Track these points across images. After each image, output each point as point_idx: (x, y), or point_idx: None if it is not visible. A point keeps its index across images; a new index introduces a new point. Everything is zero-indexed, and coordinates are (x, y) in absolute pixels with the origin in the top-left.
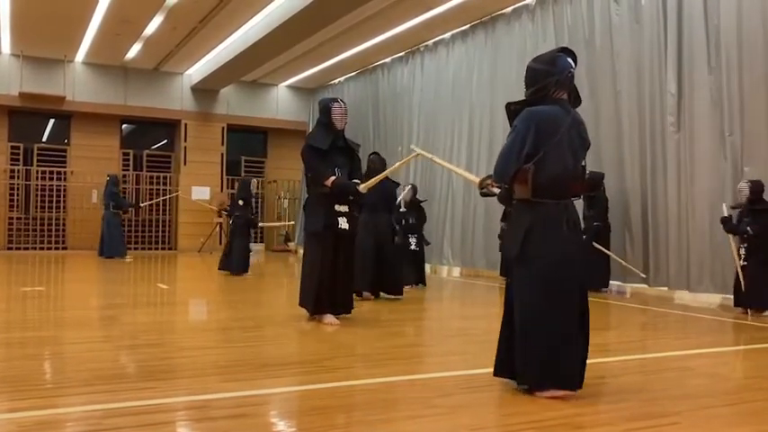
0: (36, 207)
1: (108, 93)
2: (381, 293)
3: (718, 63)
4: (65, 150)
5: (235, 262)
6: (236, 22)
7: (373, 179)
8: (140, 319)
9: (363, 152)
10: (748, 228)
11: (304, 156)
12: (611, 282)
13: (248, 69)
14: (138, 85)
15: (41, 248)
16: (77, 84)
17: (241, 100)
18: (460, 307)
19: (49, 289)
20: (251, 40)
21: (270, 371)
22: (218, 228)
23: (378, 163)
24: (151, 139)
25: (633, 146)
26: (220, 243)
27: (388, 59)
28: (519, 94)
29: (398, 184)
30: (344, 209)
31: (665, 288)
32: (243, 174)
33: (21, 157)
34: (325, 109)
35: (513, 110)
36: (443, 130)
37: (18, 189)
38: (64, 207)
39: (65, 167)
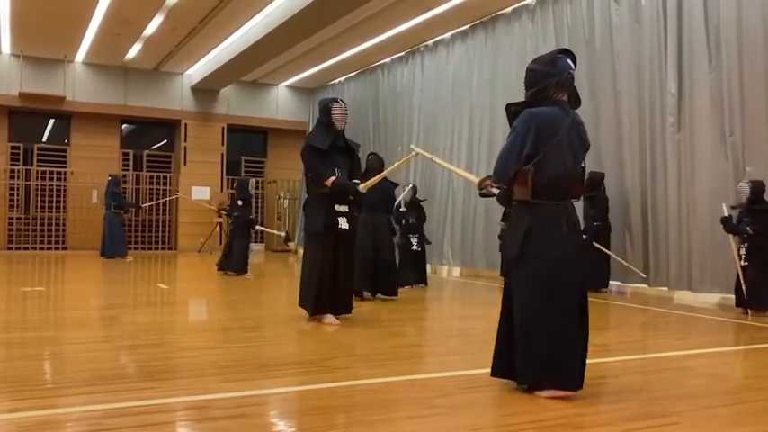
0: (36, 207)
1: (108, 93)
2: (377, 294)
3: (718, 62)
4: (65, 150)
5: (235, 262)
6: (236, 22)
7: (373, 179)
8: (140, 320)
9: (363, 152)
10: (748, 228)
11: (304, 156)
12: (611, 282)
13: (248, 69)
14: (138, 85)
15: (41, 249)
16: (77, 84)
17: (241, 100)
18: (460, 307)
19: (49, 289)
20: (251, 40)
21: (270, 371)
22: (218, 228)
23: (376, 163)
24: (151, 139)
25: (633, 146)
26: (220, 243)
27: (388, 59)
28: (519, 94)
29: (397, 185)
30: (344, 209)
31: (665, 288)
32: (243, 174)
33: (21, 158)
34: (325, 109)
35: (512, 111)
36: (443, 130)
37: (18, 189)
38: (64, 207)
39: (65, 167)
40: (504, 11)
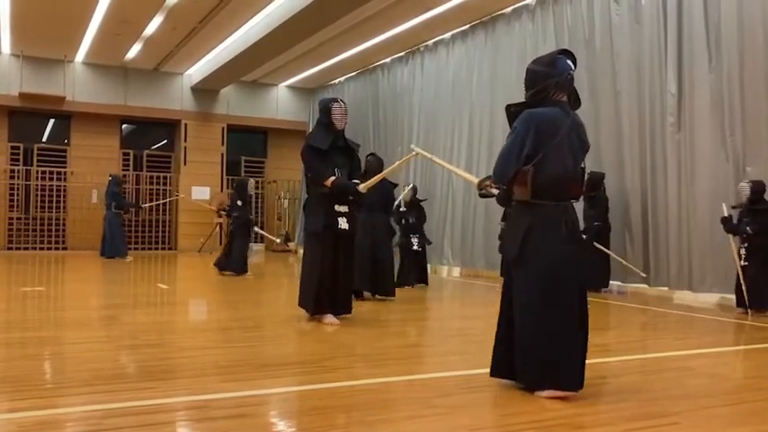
0: (36, 207)
1: (108, 93)
2: (375, 294)
3: (718, 62)
4: (65, 150)
5: (234, 262)
6: (236, 22)
7: (373, 179)
8: (140, 320)
9: (363, 152)
10: (748, 228)
11: (304, 156)
12: (611, 282)
13: (248, 69)
14: (138, 85)
15: (41, 249)
16: (77, 84)
17: (241, 100)
18: (460, 307)
19: (49, 289)
20: (251, 40)
21: (270, 371)
22: (218, 228)
23: (375, 164)
24: (151, 139)
25: (633, 146)
26: (220, 243)
27: (388, 59)
28: (519, 94)
29: (396, 185)
30: (344, 209)
31: (666, 288)
32: (243, 174)
33: (21, 158)
34: (325, 109)
35: (512, 112)
36: (443, 130)
37: (18, 189)
38: (64, 207)
39: (65, 167)
40: (504, 11)
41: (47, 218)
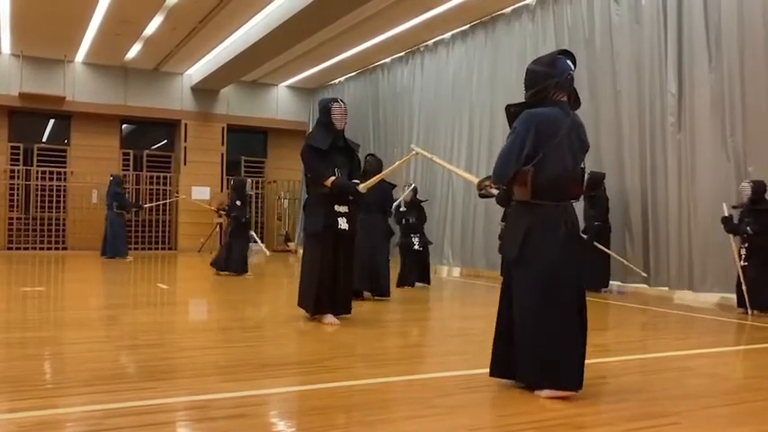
0: (36, 207)
1: (108, 93)
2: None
3: (718, 62)
4: (65, 150)
5: (234, 262)
6: (236, 22)
7: (373, 179)
8: (140, 320)
9: (363, 152)
10: (748, 228)
11: (304, 156)
12: (611, 282)
13: (248, 69)
14: (138, 85)
15: (41, 249)
16: (77, 84)
17: (241, 100)
18: (460, 307)
19: (49, 289)
20: (251, 40)
21: (270, 371)
22: (217, 228)
23: (374, 164)
24: (151, 139)
25: (633, 146)
26: (220, 243)
27: (388, 59)
28: (519, 94)
29: (395, 186)
30: (344, 209)
31: (666, 288)
32: (243, 174)
33: (21, 158)
34: (325, 109)
35: (512, 112)
36: (443, 130)
37: (18, 189)
38: (64, 207)
39: (65, 168)
40: (504, 11)
41: (47, 218)
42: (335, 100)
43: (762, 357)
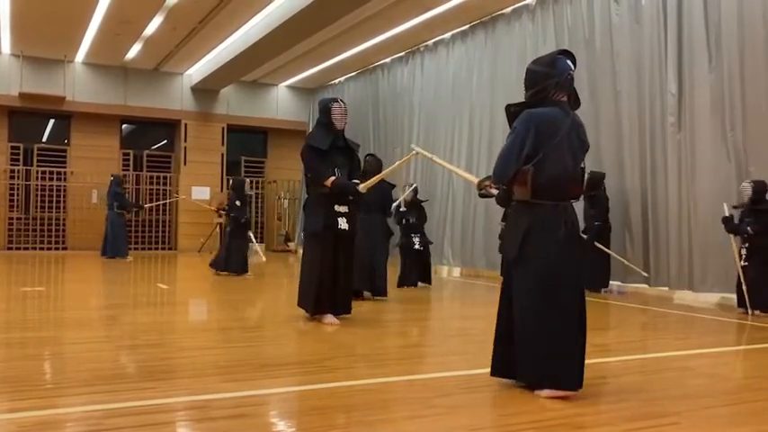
0: (36, 207)
1: (108, 93)
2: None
3: (718, 62)
4: (65, 150)
5: (234, 263)
6: (236, 22)
7: (373, 179)
8: (140, 320)
9: (363, 152)
10: (749, 228)
11: (304, 156)
12: (611, 282)
13: (248, 69)
14: (138, 85)
15: (41, 249)
16: (77, 84)
17: (241, 100)
18: (460, 307)
19: (49, 289)
20: (251, 40)
21: (270, 371)
22: (217, 228)
23: (373, 164)
24: (151, 139)
25: (633, 146)
26: (220, 243)
27: (388, 59)
28: (519, 94)
29: (394, 186)
30: (344, 209)
31: (666, 288)
32: (243, 174)
33: (21, 158)
34: (325, 109)
35: (512, 112)
36: (443, 130)
37: (18, 189)
38: (64, 207)
39: (65, 168)
40: (504, 11)
41: (47, 218)
42: (335, 100)
43: (762, 357)
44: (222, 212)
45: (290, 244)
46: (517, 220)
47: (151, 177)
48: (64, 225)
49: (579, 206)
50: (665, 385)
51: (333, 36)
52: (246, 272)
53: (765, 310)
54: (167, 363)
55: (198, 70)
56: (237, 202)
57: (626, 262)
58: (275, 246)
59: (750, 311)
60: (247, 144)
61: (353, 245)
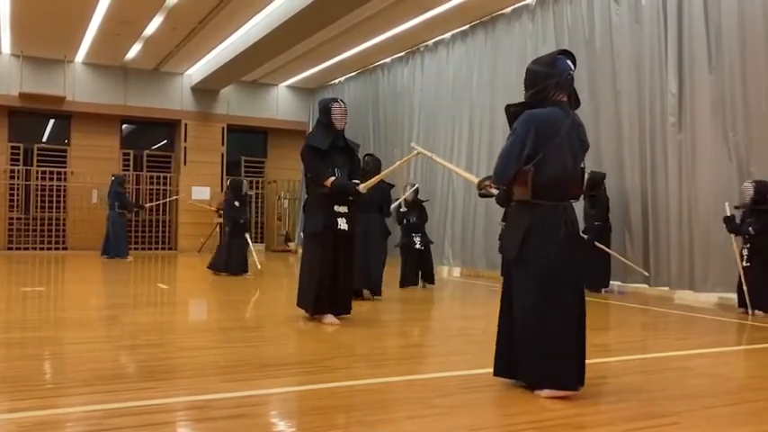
0: (36, 207)
1: (108, 93)
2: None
3: (719, 62)
4: (65, 150)
5: (234, 262)
6: (236, 22)
7: (373, 179)
8: (140, 320)
9: (363, 152)
10: (750, 228)
11: (304, 156)
12: (611, 282)
13: (248, 69)
14: (138, 85)
15: (41, 249)
16: (77, 84)
17: (241, 100)
18: (461, 307)
19: (49, 289)
20: (251, 40)
21: (269, 371)
22: (217, 228)
23: (372, 164)
24: (151, 139)
25: (634, 147)
26: (220, 243)
27: (388, 59)
28: (519, 94)
29: (393, 186)
30: (344, 209)
31: (666, 288)
32: (243, 174)
33: (21, 158)
34: (325, 109)
35: (512, 112)
36: (443, 130)
37: (18, 189)
38: (64, 207)
39: (65, 168)
40: (504, 11)
41: (47, 218)
42: (335, 100)
43: (762, 357)
44: (221, 212)
45: (290, 244)
46: (517, 220)
47: (151, 177)
48: (64, 225)
49: (579, 206)
50: (665, 385)
51: (333, 36)
52: (246, 272)
53: (766, 311)
54: (167, 363)
55: (198, 70)
56: (236, 203)
57: (627, 262)
58: (275, 246)
59: (751, 311)
60: (247, 144)
61: (353, 245)
